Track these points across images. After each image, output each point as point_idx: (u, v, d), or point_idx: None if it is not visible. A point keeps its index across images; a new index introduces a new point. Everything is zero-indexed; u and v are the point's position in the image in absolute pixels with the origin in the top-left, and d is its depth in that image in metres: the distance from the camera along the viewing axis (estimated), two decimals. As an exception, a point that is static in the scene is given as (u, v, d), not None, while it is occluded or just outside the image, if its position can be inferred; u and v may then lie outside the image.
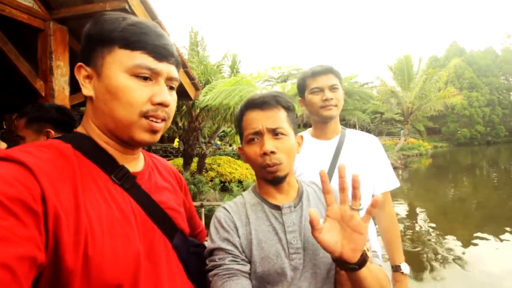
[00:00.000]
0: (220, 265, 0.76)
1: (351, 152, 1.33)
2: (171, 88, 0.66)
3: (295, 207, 0.84)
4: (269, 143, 0.80)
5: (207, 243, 0.83)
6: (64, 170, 0.54)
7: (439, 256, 4.76)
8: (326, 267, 0.79)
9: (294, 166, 0.91)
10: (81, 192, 0.54)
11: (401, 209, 7.96)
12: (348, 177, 1.29)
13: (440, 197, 9.72)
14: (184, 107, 7.70)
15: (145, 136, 0.62)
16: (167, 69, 0.63)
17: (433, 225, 6.54)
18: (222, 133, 12.61)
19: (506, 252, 4.87)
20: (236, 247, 0.79)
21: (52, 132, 1.30)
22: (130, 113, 0.59)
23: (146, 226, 0.64)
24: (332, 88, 1.32)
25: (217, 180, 8.27)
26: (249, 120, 0.83)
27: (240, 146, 0.92)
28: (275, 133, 0.81)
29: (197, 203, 4.46)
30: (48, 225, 0.48)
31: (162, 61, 0.62)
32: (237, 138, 9.56)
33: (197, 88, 4.01)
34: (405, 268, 1.34)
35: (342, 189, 0.68)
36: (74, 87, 2.57)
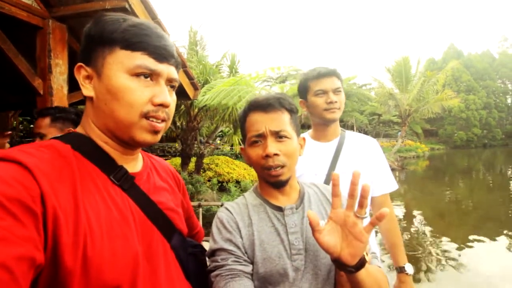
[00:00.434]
0: (222, 266, 0.76)
1: (350, 154, 1.34)
2: (171, 88, 0.66)
3: (297, 208, 0.85)
4: (272, 146, 0.80)
5: (209, 244, 0.83)
6: (63, 170, 0.54)
7: (435, 258, 4.79)
8: (327, 268, 0.80)
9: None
10: (80, 193, 0.54)
11: (398, 211, 7.99)
12: (347, 179, 1.30)
13: (437, 199, 9.76)
14: (182, 106, 7.69)
15: (146, 137, 0.62)
16: (168, 70, 0.63)
17: (430, 227, 6.58)
18: (220, 133, 12.60)
19: (501, 254, 4.90)
20: (238, 247, 0.79)
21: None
22: (130, 114, 0.59)
23: (145, 227, 0.64)
24: (336, 91, 1.32)
25: (215, 180, 8.26)
26: (253, 122, 0.84)
27: (242, 147, 0.92)
28: (278, 135, 0.82)
29: (195, 203, 4.45)
30: (47, 225, 0.48)
31: (162, 62, 0.62)
32: (235, 138, 9.55)
33: (196, 88, 4.01)
34: (409, 268, 1.36)
35: (352, 195, 0.68)
36: (72, 85, 2.56)
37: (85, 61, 0.61)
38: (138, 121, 0.60)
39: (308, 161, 1.32)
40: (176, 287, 0.68)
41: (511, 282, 3.88)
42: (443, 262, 4.63)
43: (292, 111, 0.86)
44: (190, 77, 3.84)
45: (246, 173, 8.99)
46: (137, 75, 0.60)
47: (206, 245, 0.85)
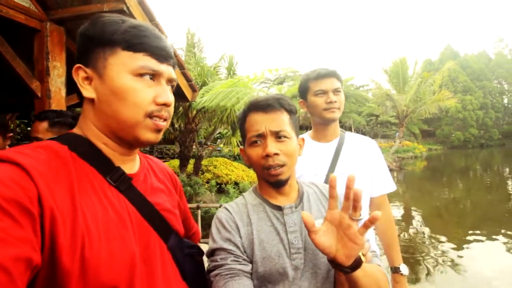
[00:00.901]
0: (222, 265, 0.76)
1: (349, 155, 1.35)
2: (170, 87, 0.68)
3: (296, 207, 0.86)
4: (272, 146, 0.81)
5: (209, 243, 0.83)
6: (60, 171, 0.54)
7: (433, 258, 4.80)
8: (326, 266, 0.81)
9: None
10: (77, 194, 0.54)
11: (396, 211, 8.01)
12: (346, 178, 1.30)
13: (435, 199, 9.80)
14: (180, 108, 7.68)
15: (150, 136, 0.63)
16: (168, 70, 0.65)
17: (428, 227, 6.59)
18: (218, 135, 12.60)
19: (500, 253, 4.92)
20: (237, 247, 0.80)
21: None
22: (136, 114, 0.60)
23: (142, 228, 0.64)
24: (336, 91, 1.34)
25: (213, 182, 8.25)
26: (252, 122, 0.84)
27: (241, 147, 0.93)
28: (278, 136, 0.82)
29: (194, 205, 4.44)
30: (44, 226, 0.48)
31: (163, 63, 0.63)
32: (233, 140, 9.55)
33: (194, 90, 4.01)
34: (404, 269, 1.37)
35: (347, 198, 0.68)
36: (70, 88, 2.56)
37: (84, 62, 0.61)
38: (143, 120, 0.61)
39: (308, 162, 1.33)
40: (173, 287, 0.68)
41: (509, 282, 3.89)
42: (442, 262, 4.64)
43: (291, 111, 0.87)
44: (188, 79, 3.84)
45: (245, 175, 8.98)
46: (141, 75, 0.61)
47: (204, 247, 0.85)
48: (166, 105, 0.63)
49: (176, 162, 9.17)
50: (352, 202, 0.66)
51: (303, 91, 1.41)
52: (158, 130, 0.64)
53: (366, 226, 0.66)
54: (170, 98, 0.64)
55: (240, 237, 0.81)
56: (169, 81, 0.66)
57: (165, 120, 0.65)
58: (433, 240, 5.68)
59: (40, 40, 2.44)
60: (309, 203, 0.88)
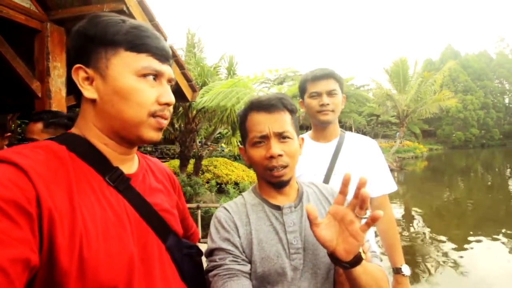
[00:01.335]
0: (220, 265, 0.76)
1: (349, 154, 1.35)
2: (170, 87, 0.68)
3: (295, 207, 0.85)
4: (276, 147, 0.81)
5: (208, 243, 0.83)
6: (58, 171, 0.54)
7: (434, 259, 4.79)
8: (326, 267, 0.80)
9: None
10: (76, 194, 0.54)
11: (397, 211, 8.00)
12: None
13: (436, 199, 9.78)
14: (180, 108, 7.68)
15: (153, 135, 0.64)
16: (168, 70, 0.65)
17: (428, 227, 6.59)
18: (218, 135, 12.60)
19: (501, 254, 4.91)
20: (236, 247, 0.79)
21: None
22: (139, 113, 0.61)
23: (140, 228, 0.64)
24: (330, 93, 1.33)
25: (213, 182, 8.25)
26: (255, 122, 0.84)
27: (241, 146, 0.92)
28: (281, 136, 0.82)
29: (194, 205, 4.45)
30: (42, 227, 0.48)
31: (164, 63, 0.64)
32: (234, 140, 9.54)
33: (194, 90, 4.01)
34: (406, 270, 1.36)
35: (356, 197, 0.68)
36: (71, 88, 2.55)
37: (84, 62, 0.61)
38: (146, 120, 0.62)
39: (307, 162, 1.33)
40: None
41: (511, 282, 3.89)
42: (442, 263, 4.64)
43: (292, 111, 0.87)
44: (188, 79, 3.84)
45: (245, 175, 8.98)
46: (144, 76, 0.61)
47: (204, 246, 0.85)
48: (168, 104, 0.64)
49: (176, 162, 9.17)
50: (360, 202, 0.67)
51: (302, 92, 1.43)
52: (160, 129, 0.65)
53: (368, 224, 0.66)
54: (172, 98, 0.65)
55: (239, 237, 0.81)
56: (169, 80, 0.67)
57: (166, 119, 0.66)
58: (433, 241, 5.67)
59: (40, 40, 2.45)
60: (308, 203, 0.87)
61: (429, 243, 5.58)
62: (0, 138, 1.71)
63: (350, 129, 29.45)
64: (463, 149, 39.84)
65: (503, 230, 5.99)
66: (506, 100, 49.32)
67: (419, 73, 19.37)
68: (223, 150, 13.81)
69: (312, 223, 0.69)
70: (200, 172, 8.64)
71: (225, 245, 0.79)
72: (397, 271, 1.38)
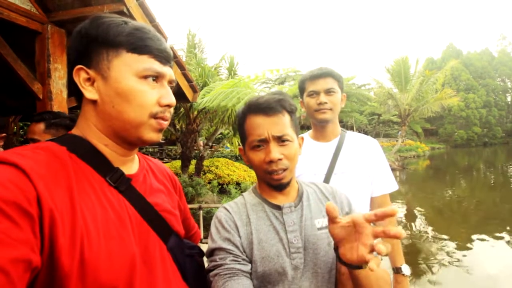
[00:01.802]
0: (221, 265, 0.76)
1: (349, 154, 1.35)
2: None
3: (295, 206, 0.85)
4: (275, 151, 0.80)
5: (208, 243, 0.83)
6: (59, 172, 0.54)
7: (436, 258, 4.77)
8: (327, 266, 0.80)
9: None
10: (77, 195, 0.54)
11: (399, 210, 7.97)
12: (346, 179, 1.28)
13: (438, 198, 9.74)
14: (181, 109, 7.70)
15: (153, 136, 0.65)
16: (169, 72, 0.66)
17: (431, 226, 6.57)
18: (219, 135, 12.61)
19: (505, 252, 4.88)
20: (237, 247, 0.79)
21: None
22: (141, 115, 0.61)
23: (141, 229, 0.64)
24: (328, 92, 1.32)
25: (215, 182, 8.26)
26: (254, 125, 0.83)
27: (241, 147, 0.92)
28: (281, 140, 0.81)
29: (195, 205, 4.45)
30: (43, 227, 0.48)
31: (165, 65, 0.65)
32: (235, 140, 9.55)
33: (195, 91, 4.01)
34: (406, 269, 1.35)
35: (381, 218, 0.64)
36: (72, 90, 2.56)
37: (85, 63, 0.61)
38: (147, 121, 0.62)
39: (307, 161, 1.33)
40: None
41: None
42: (445, 262, 4.62)
43: (292, 112, 0.86)
44: (189, 80, 3.84)
45: (246, 175, 8.98)
46: (145, 77, 0.61)
47: (205, 247, 0.85)
48: (169, 106, 0.64)
49: (178, 163, 9.19)
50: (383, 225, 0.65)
51: (301, 91, 1.43)
52: (160, 130, 0.65)
53: (376, 235, 0.64)
54: (173, 100, 0.65)
55: (240, 236, 0.81)
56: (170, 82, 0.67)
57: (167, 120, 0.66)
58: (436, 240, 5.65)
59: (41, 42, 2.45)
60: (308, 202, 0.87)
61: (431, 242, 5.56)
62: None
63: (352, 129, 29.41)
64: (465, 148, 39.70)
65: (508, 228, 5.96)
66: (509, 98, 49.14)
67: (420, 71, 19.33)
68: (231, 150, 13.81)
69: (332, 221, 0.68)
70: (202, 172, 8.65)
71: (225, 245, 0.79)
72: (397, 270, 1.37)
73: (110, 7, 2.39)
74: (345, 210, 0.89)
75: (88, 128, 0.64)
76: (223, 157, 12.01)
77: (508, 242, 5.30)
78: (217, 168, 9.02)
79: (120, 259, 0.56)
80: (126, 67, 0.60)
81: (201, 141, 10.49)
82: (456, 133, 42.33)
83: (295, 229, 0.81)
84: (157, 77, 0.63)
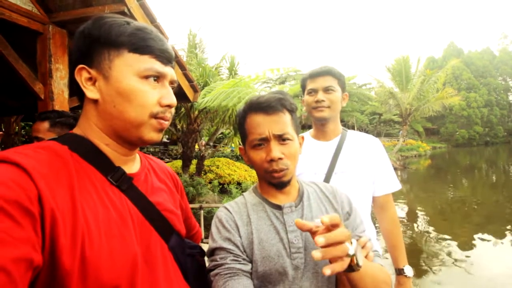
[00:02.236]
0: (221, 265, 0.76)
1: (350, 153, 1.34)
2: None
3: (296, 206, 0.85)
4: (276, 150, 0.80)
5: (209, 243, 0.83)
6: (60, 171, 0.54)
7: (438, 258, 4.76)
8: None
9: None
10: (78, 193, 0.54)
11: (400, 210, 7.96)
12: (346, 178, 1.28)
13: (440, 198, 9.72)
14: (182, 109, 7.71)
15: (153, 135, 0.65)
16: (171, 72, 0.66)
17: (432, 226, 6.55)
18: (220, 135, 12.62)
19: (506, 253, 4.87)
20: (237, 246, 0.79)
21: None
22: (141, 115, 0.62)
23: (143, 228, 0.64)
24: (327, 90, 1.32)
25: (216, 182, 8.27)
26: (254, 124, 0.83)
27: (241, 146, 0.92)
28: (282, 139, 0.81)
29: (196, 205, 4.46)
30: (44, 226, 0.48)
31: (167, 65, 0.65)
32: (236, 140, 9.56)
33: (195, 90, 4.01)
34: (409, 271, 1.33)
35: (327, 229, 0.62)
36: (73, 90, 2.57)
37: (87, 63, 0.61)
38: (148, 120, 0.62)
39: (308, 160, 1.32)
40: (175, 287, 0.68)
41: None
42: (447, 262, 4.60)
43: (292, 110, 0.86)
44: (189, 80, 3.84)
45: (247, 175, 8.98)
46: (146, 77, 0.61)
47: (206, 247, 0.85)
48: (170, 106, 0.64)
49: (178, 163, 9.19)
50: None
51: (303, 90, 1.44)
52: (161, 130, 0.65)
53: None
54: (174, 100, 0.65)
55: (240, 236, 0.81)
56: (171, 82, 0.67)
57: (167, 120, 0.66)
58: (438, 240, 5.64)
59: (42, 42, 2.46)
60: (309, 202, 0.87)
61: (433, 242, 5.55)
62: None
63: (353, 128, 29.34)
64: (467, 147, 39.58)
65: (509, 227, 5.94)
66: (510, 97, 48.96)
67: (421, 71, 19.29)
68: (232, 150, 13.83)
69: (311, 232, 0.66)
70: (203, 172, 8.66)
71: (226, 245, 0.79)
72: (399, 272, 1.35)
73: (111, 8, 2.40)
74: (345, 209, 0.89)
75: (90, 128, 0.64)
76: (224, 156, 12.02)
77: (510, 242, 5.29)
78: (218, 167, 9.03)
79: (122, 258, 0.56)
80: (127, 67, 0.60)
81: (202, 141, 10.50)
82: (457, 133, 42.23)
83: (295, 229, 0.81)
84: (158, 77, 0.63)
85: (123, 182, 0.64)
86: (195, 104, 6.94)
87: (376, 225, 1.49)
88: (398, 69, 19.05)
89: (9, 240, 0.43)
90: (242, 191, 7.95)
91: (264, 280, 0.78)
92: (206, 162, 9.06)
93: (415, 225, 6.72)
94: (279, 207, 0.85)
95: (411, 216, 7.49)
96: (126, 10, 2.37)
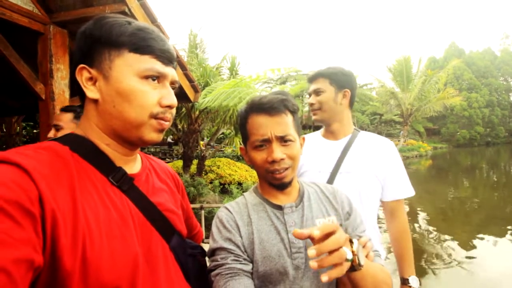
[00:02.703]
0: (222, 265, 0.76)
1: (358, 154, 1.30)
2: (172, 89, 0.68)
3: (296, 206, 0.85)
4: (278, 151, 0.80)
5: (209, 243, 0.83)
6: (61, 172, 0.54)
7: (440, 258, 4.75)
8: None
9: (300, 164, 0.92)
10: (79, 194, 0.54)
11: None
12: (351, 179, 1.26)
13: (441, 198, 9.71)
14: (183, 109, 7.71)
15: (153, 136, 0.64)
16: (172, 72, 0.65)
17: (434, 226, 6.54)
18: (221, 135, 12.62)
19: (508, 253, 4.85)
20: (238, 246, 0.80)
21: None
22: (141, 115, 0.61)
23: (144, 228, 0.64)
24: (316, 92, 1.36)
25: (216, 182, 8.27)
26: (256, 125, 0.83)
27: (242, 146, 0.92)
28: (283, 140, 0.81)
29: (197, 205, 4.46)
30: (45, 227, 0.48)
31: (168, 65, 0.64)
32: (236, 140, 9.56)
33: (196, 91, 4.02)
34: (414, 282, 1.27)
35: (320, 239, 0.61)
36: (73, 90, 2.57)
37: (88, 62, 0.61)
38: (148, 121, 0.62)
39: (314, 158, 1.31)
40: None
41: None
42: (448, 263, 4.60)
43: (294, 112, 0.86)
44: (190, 80, 3.85)
45: (248, 175, 8.98)
46: (146, 77, 0.61)
47: (207, 247, 0.85)
48: (170, 107, 0.64)
49: (179, 163, 9.20)
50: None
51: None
52: (161, 130, 0.65)
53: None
54: (175, 101, 0.65)
55: (241, 236, 0.81)
56: (172, 83, 0.66)
57: (168, 121, 0.66)
58: (439, 240, 5.63)
59: (43, 43, 2.46)
60: (309, 202, 0.87)
61: (435, 242, 5.54)
62: None
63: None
64: (468, 148, 39.52)
65: (510, 227, 5.92)
66: (511, 98, 48.83)
67: (422, 71, 19.26)
68: (233, 150, 13.83)
69: (310, 238, 0.65)
70: (203, 172, 8.66)
71: (226, 245, 0.79)
72: (403, 281, 1.30)
73: (112, 8, 2.40)
74: (345, 209, 0.89)
75: (90, 128, 0.64)
76: (225, 157, 12.03)
77: (511, 242, 5.27)
78: (218, 168, 9.03)
79: (123, 258, 0.56)
80: (127, 67, 0.60)
81: (202, 142, 10.50)
82: (458, 133, 42.16)
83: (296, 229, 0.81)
84: (158, 78, 0.63)
85: (124, 182, 0.64)
86: (196, 104, 6.94)
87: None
88: (399, 69, 19.02)
89: (9, 241, 0.43)
90: (243, 191, 7.95)
91: (264, 280, 0.79)
92: (207, 162, 9.06)
93: (416, 225, 6.71)
94: (279, 207, 0.85)
95: (412, 216, 7.47)
96: (127, 10, 2.38)
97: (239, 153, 11.97)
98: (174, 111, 0.67)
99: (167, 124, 0.65)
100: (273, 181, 0.84)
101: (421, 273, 4.21)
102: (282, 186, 0.84)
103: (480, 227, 6.24)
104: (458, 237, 5.68)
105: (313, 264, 0.58)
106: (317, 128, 1.54)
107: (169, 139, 17.14)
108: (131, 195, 0.64)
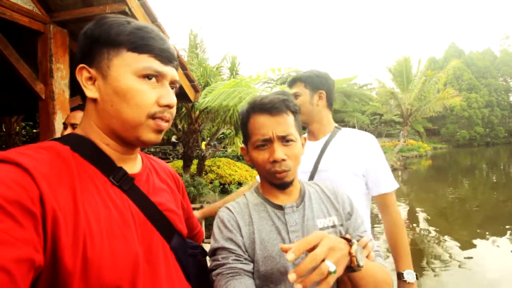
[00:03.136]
0: (223, 264, 0.76)
1: (335, 151, 1.31)
2: (172, 89, 0.68)
3: (297, 206, 0.85)
4: (279, 151, 0.80)
5: (211, 243, 0.83)
6: (62, 171, 0.54)
7: (439, 259, 4.75)
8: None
9: None
10: (80, 194, 0.54)
11: (401, 210, 7.96)
12: (330, 176, 1.28)
13: (440, 198, 9.71)
14: (183, 109, 7.72)
15: (151, 136, 0.64)
16: (171, 72, 0.65)
17: (433, 227, 6.54)
18: (221, 135, 12.63)
19: (508, 252, 4.86)
20: (239, 246, 0.80)
21: None
22: (138, 115, 0.61)
23: (145, 228, 0.64)
24: (295, 96, 1.40)
25: (216, 182, 8.27)
26: (258, 125, 0.83)
27: (243, 146, 0.92)
28: (285, 140, 0.82)
29: (197, 205, 4.45)
30: (46, 227, 0.48)
31: (167, 65, 0.64)
32: (237, 140, 9.56)
33: (196, 90, 4.02)
34: (409, 276, 1.23)
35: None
36: (73, 90, 2.57)
37: (87, 62, 0.61)
38: (145, 121, 0.61)
39: None
40: None
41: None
42: (447, 263, 4.60)
43: (296, 112, 0.86)
44: (190, 80, 3.85)
45: (248, 175, 8.99)
46: (144, 77, 0.61)
47: (207, 246, 0.85)
48: (169, 106, 0.63)
49: (179, 163, 9.20)
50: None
51: None
52: (159, 131, 0.64)
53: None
54: (173, 100, 0.64)
55: (242, 236, 0.81)
56: (172, 82, 0.66)
57: (167, 121, 0.65)
58: (439, 240, 5.63)
59: (43, 42, 2.46)
60: (310, 202, 0.87)
61: (434, 242, 5.54)
62: None
63: (353, 128, 29.30)
64: (468, 148, 39.55)
65: (508, 226, 5.92)
66: (511, 98, 48.87)
67: (422, 71, 19.25)
68: (233, 150, 13.85)
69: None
70: (204, 172, 8.66)
71: (228, 245, 0.79)
72: (398, 276, 1.27)
73: (112, 7, 2.40)
74: (346, 209, 0.89)
75: (90, 128, 0.64)
76: (225, 157, 12.02)
77: (510, 242, 5.27)
78: (218, 168, 9.04)
79: (124, 258, 0.56)
80: (125, 66, 0.60)
81: (204, 143, 10.50)
82: (458, 133, 42.21)
83: (297, 229, 0.82)
84: (157, 77, 0.62)
85: (125, 182, 0.63)
86: (196, 104, 6.94)
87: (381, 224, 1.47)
88: (399, 70, 19.03)
89: (10, 240, 0.43)
90: (243, 191, 7.93)
91: (265, 280, 0.79)
92: (207, 162, 9.06)
93: (415, 225, 6.71)
94: (280, 207, 0.85)
95: (412, 216, 7.48)
96: (127, 10, 2.38)
97: (239, 153, 11.98)
98: (173, 111, 0.66)
99: (165, 125, 0.64)
100: (274, 181, 0.84)
101: (421, 273, 4.21)
102: (283, 186, 0.84)
103: (480, 227, 6.25)
104: (458, 237, 5.68)
105: (297, 286, 0.57)
106: None
107: (173, 139, 17.09)
108: (132, 195, 0.64)
